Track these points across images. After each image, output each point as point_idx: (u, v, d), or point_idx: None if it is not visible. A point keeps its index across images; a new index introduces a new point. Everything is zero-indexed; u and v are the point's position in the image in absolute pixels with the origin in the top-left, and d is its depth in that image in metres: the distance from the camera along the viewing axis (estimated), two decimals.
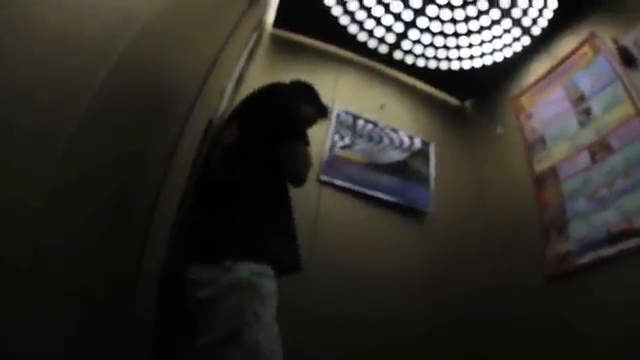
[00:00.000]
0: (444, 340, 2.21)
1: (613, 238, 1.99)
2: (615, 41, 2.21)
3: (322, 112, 1.75)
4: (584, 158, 2.27)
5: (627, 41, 2.15)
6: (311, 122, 1.72)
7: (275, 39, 2.90)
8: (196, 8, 1.40)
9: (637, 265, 1.84)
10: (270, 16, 2.84)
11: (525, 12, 2.55)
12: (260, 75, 2.30)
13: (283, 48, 2.86)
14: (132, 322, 1.11)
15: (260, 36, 2.57)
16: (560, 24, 2.59)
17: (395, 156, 2.66)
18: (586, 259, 2.08)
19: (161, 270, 1.20)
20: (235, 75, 1.96)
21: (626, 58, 2.14)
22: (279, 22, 2.90)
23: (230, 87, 1.85)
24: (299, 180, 1.40)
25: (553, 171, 2.45)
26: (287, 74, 1.98)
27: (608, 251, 1.99)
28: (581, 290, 2.05)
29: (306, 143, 1.40)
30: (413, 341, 2.10)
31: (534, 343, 2.13)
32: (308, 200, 2.17)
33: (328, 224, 2.19)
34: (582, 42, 2.45)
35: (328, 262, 2.06)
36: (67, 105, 0.74)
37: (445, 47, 2.83)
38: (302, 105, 1.57)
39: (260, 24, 2.47)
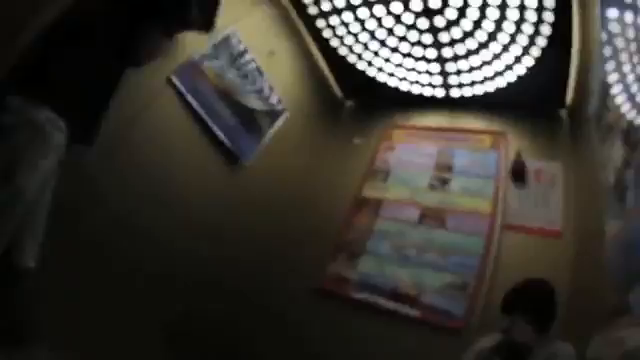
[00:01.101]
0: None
1: (396, 296, 2.08)
2: (519, 154, 2.35)
3: (205, 26, 1.54)
4: (413, 214, 2.34)
5: (532, 163, 2.31)
6: (188, 27, 1.50)
7: None
8: None
9: (402, 329, 2.00)
10: None
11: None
12: None
13: None
14: None
15: None
16: (477, 106, 2.66)
17: (250, 102, 2.30)
18: (362, 296, 2.13)
19: None
20: None
21: (518, 173, 2.30)
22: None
23: None
24: (134, 64, 1.31)
25: (378, 204, 2.46)
26: None
27: (384, 303, 2.08)
28: (345, 320, 2.10)
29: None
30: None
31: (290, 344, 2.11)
32: (147, 92, 1.88)
33: (150, 124, 1.91)
34: (488, 131, 2.57)
35: (140, 158, 1.86)
36: None
37: (365, 46, 2.58)
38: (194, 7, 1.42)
39: None
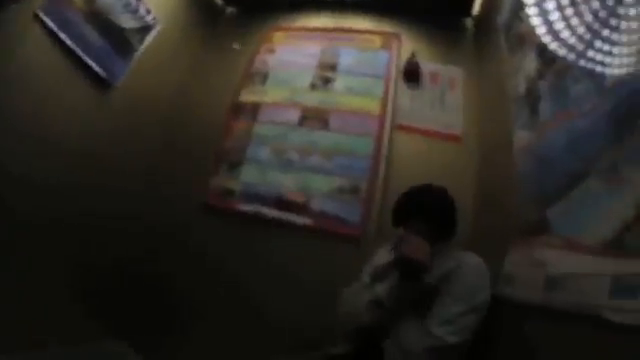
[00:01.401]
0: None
1: (282, 204, 1.94)
2: (413, 54, 2.20)
3: None
4: (293, 116, 2.14)
5: (427, 66, 2.19)
6: None
7: None
8: None
9: (296, 239, 1.89)
10: None
11: None
12: None
13: None
14: None
15: None
16: (373, 7, 2.43)
17: (121, 21, 1.92)
18: (248, 208, 1.96)
19: None
20: None
21: (411, 73, 2.16)
22: None
23: None
24: None
25: (255, 108, 2.21)
26: None
27: (271, 212, 1.93)
28: (236, 234, 1.96)
29: None
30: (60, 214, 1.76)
31: (182, 265, 1.98)
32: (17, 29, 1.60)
33: (20, 62, 1.62)
34: (379, 31, 2.35)
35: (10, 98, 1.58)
36: None
37: None
38: None
39: None
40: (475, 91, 2.18)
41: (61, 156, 1.75)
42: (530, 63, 1.41)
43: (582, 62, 0.98)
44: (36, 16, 1.63)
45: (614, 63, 0.87)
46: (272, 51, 2.39)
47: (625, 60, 0.84)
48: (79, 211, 1.82)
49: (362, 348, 1.18)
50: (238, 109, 2.23)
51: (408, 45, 2.29)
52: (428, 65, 2.23)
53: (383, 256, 1.28)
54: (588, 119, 0.95)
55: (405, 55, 2.24)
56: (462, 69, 2.24)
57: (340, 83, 2.18)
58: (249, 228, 1.96)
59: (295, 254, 1.87)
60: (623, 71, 0.84)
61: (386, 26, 2.41)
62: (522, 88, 1.46)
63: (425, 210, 1.24)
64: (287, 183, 1.96)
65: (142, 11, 2.07)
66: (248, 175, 2.03)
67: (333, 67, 2.24)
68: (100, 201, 1.92)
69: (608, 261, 0.75)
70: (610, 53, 0.89)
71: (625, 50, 0.84)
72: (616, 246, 0.74)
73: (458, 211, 1.31)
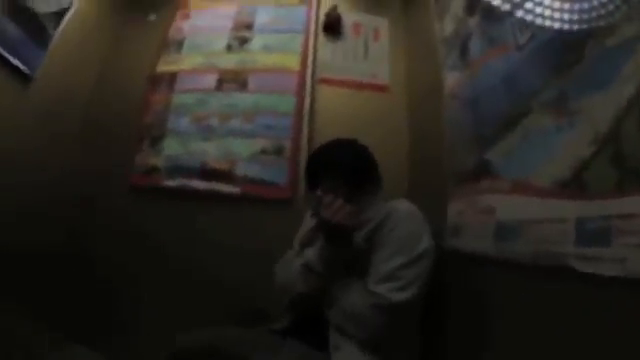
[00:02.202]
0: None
1: (207, 173, 1.84)
2: (334, 7, 2.10)
3: None
4: (210, 80, 2.02)
5: (349, 17, 2.11)
6: None
7: None
8: None
9: (228, 209, 1.81)
10: None
11: None
12: None
13: None
14: None
15: None
16: None
17: (35, 6, 1.73)
18: (174, 183, 1.86)
19: None
20: None
21: (332, 25, 2.07)
22: None
23: None
24: None
25: (172, 78, 2.08)
26: None
27: (197, 184, 1.84)
28: (167, 211, 1.85)
29: None
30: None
31: (117, 248, 1.85)
32: None
33: None
34: None
35: None
36: None
37: None
38: None
39: None
40: (402, 40, 2.12)
41: None
42: (457, 1, 1.33)
43: (519, 13, 0.91)
44: None
45: (553, 16, 0.78)
46: (187, 17, 2.25)
47: (566, 15, 0.75)
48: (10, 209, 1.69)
49: (305, 318, 1.12)
50: (156, 81, 2.10)
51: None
52: (350, 16, 2.15)
53: (309, 221, 1.21)
54: (526, 50, 0.87)
55: (325, 8, 2.14)
56: (387, 18, 2.17)
57: (257, 42, 2.07)
58: (179, 203, 1.86)
59: (229, 224, 1.79)
60: (566, 26, 0.75)
61: None
62: (450, 28, 1.39)
63: (336, 165, 1.15)
64: (209, 151, 1.87)
65: None
66: (171, 147, 1.92)
67: (249, 26, 2.12)
68: (23, 197, 1.79)
69: (568, 204, 0.67)
70: (546, 5, 0.80)
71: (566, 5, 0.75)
72: (575, 187, 0.66)
73: (390, 162, 1.24)
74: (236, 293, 1.66)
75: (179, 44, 2.16)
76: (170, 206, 1.87)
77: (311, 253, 1.07)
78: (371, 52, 2.07)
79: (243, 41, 2.08)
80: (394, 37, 2.12)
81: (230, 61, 2.04)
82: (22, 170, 1.79)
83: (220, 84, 1.99)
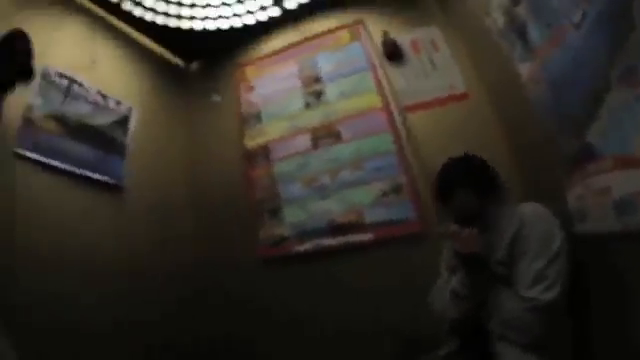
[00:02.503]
0: (151, 324, 1.88)
1: (336, 229, 1.93)
2: (385, 33, 2.15)
3: (22, 75, 1.32)
4: (304, 142, 2.12)
5: (403, 39, 2.13)
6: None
7: None
8: None
9: (364, 257, 1.86)
10: None
11: None
12: None
13: None
14: None
15: None
16: (325, 6, 2.37)
17: (96, 122, 1.89)
18: (305, 247, 1.97)
19: None
20: None
21: (392, 52, 2.11)
22: None
23: None
24: None
25: (264, 150, 2.20)
26: None
27: (329, 242, 1.92)
28: (301, 276, 1.95)
29: None
30: (110, 324, 1.75)
31: (254, 324, 1.99)
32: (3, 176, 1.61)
33: (26, 203, 1.65)
34: (342, 26, 2.30)
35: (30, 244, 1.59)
36: None
37: (179, 4, 2.21)
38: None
39: None
40: (458, 42, 2.14)
41: (96, 275, 1.73)
42: None
43: None
44: (17, 155, 1.60)
45: None
46: (251, 89, 2.35)
47: None
48: (129, 317, 1.79)
49: (467, 339, 1.22)
50: (250, 157, 2.23)
51: (376, 27, 2.24)
52: (404, 37, 2.19)
53: (449, 248, 1.29)
54: (583, 29, 0.91)
55: (376, 38, 2.19)
56: (435, 26, 2.19)
57: (331, 92, 2.16)
58: (311, 265, 1.96)
59: (365, 270, 1.86)
60: None
61: (346, 18, 2.36)
62: (501, 20, 1.43)
63: (466, 180, 1.23)
64: (332, 208, 1.96)
65: (112, 104, 2.04)
66: (292, 215, 2.03)
67: (317, 79, 2.21)
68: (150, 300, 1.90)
69: None
70: None
71: None
72: None
73: (497, 165, 1.29)
74: (395, 330, 1.74)
75: (257, 116, 2.27)
76: (302, 269, 1.97)
77: (455, 280, 1.16)
78: (438, 64, 2.11)
79: (318, 95, 2.17)
80: (450, 42, 2.14)
81: (314, 118, 2.13)
82: (146, 274, 1.92)
83: (315, 142, 2.09)
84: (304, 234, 1.97)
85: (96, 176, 1.85)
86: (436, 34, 2.17)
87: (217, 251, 2.18)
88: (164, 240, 2.07)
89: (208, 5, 2.25)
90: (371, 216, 1.89)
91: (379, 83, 2.08)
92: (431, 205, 1.80)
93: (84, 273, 1.72)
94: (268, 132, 2.21)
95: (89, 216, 1.82)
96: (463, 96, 2.03)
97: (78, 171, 1.79)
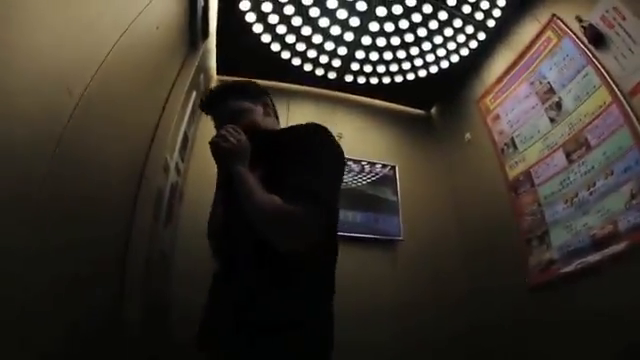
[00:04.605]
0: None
1: (598, 244, 1.83)
2: (579, 19, 1.99)
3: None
4: (559, 159, 2.09)
5: (592, 18, 1.93)
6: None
7: None
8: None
9: (625, 269, 1.70)
10: (212, 64, 2.70)
11: (475, 6, 2.39)
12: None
13: None
14: None
15: (207, 87, 2.43)
16: (516, 11, 2.41)
17: (360, 189, 2.50)
18: (571, 267, 1.93)
19: None
20: (179, 137, 1.81)
21: (594, 37, 1.92)
22: (222, 68, 2.78)
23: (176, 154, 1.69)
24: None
25: (527, 175, 2.26)
26: None
27: (594, 257, 1.83)
28: (567, 298, 1.92)
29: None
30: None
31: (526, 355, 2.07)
32: None
33: None
34: (543, 27, 2.24)
35: None
36: None
37: (396, 60, 2.71)
38: None
39: (202, 78, 2.34)
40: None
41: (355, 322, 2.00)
42: None
43: None
44: None
45: None
46: (497, 118, 2.52)
47: None
48: None
49: None
50: (515, 187, 2.34)
51: (567, 15, 2.11)
52: (591, 16, 1.97)
53: None
54: None
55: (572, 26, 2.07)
56: None
57: (568, 99, 2.08)
58: (570, 285, 1.92)
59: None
60: None
61: (538, 15, 2.34)
62: None
63: None
64: (592, 223, 1.88)
65: (367, 167, 2.64)
66: (558, 238, 2.03)
67: (550, 90, 2.18)
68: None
69: None
70: None
71: None
72: None
73: None
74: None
75: (512, 145, 2.39)
76: (563, 290, 1.95)
77: None
78: (633, 34, 1.79)
79: (558, 106, 2.13)
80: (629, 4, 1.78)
81: (562, 131, 2.10)
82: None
83: (569, 157, 2.04)
84: (571, 255, 1.93)
85: (374, 236, 2.32)
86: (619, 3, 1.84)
87: (489, 283, 2.36)
88: (438, 283, 2.43)
89: (422, 52, 2.65)
90: (626, 222, 1.71)
91: (602, 75, 1.89)
92: None
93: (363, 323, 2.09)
94: (527, 157, 2.28)
95: (368, 270, 2.27)
96: None
97: (357, 235, 2.28)
